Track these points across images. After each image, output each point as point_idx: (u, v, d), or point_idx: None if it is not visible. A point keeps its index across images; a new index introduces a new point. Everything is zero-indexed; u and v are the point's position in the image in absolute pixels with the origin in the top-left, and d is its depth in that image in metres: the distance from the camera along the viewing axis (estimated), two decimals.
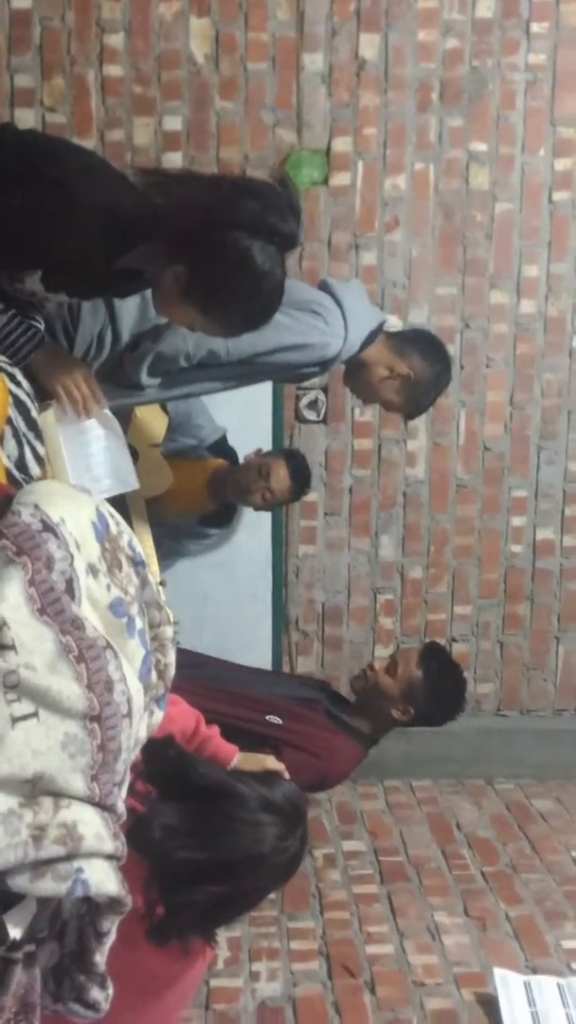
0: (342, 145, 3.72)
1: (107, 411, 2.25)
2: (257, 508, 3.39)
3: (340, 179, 3.74)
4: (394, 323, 3.76)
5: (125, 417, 3.00)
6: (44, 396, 2.04)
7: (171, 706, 1.72)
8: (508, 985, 2.57)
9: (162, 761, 1.65)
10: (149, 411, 3.16)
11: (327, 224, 3.75)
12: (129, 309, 2.41)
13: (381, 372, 2.81)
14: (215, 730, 1.99)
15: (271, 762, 2.06)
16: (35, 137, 2.28)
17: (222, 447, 3.42)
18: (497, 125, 3.76)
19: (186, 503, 3.33)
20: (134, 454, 3.10)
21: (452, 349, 3.83)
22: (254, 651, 3.82)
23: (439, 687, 2.97)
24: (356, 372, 2.85)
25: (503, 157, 3.78)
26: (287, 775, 2.03)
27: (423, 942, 2.84)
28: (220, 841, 1.64)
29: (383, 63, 3.67)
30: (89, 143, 3.51)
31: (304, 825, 1.77)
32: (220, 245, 1.92)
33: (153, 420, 3.18)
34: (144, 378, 2.49)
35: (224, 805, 1.66)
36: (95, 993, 1.41)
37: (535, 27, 3.68)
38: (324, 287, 2.75)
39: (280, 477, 3.23)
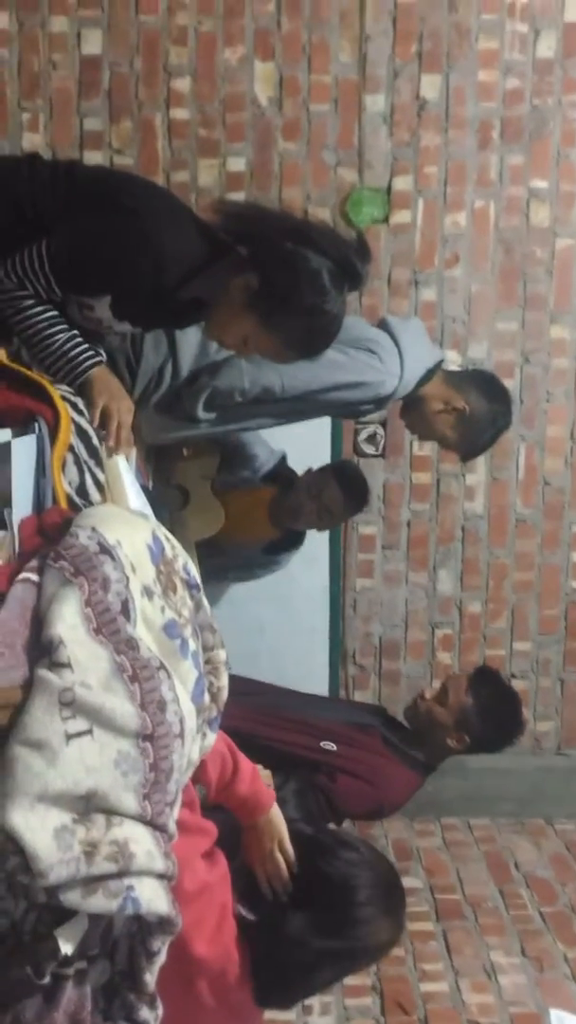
0: (403, 184, 3.76)
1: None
2: (318, 528, 3.36)
3: (401, 217, 3.78)
4: (453, 358, 3.78)
5: (174, 455, 3.04)
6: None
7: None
8: None
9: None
10: (199, 448, 3.16)
11: (387, 261, 3.79)
12: (190, 344, 2.46)
13: (436, 406, 2.80)
14: (257, 781, 1.90)
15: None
16: (104, 170, 2.36)
17: (281, 472, 3.40)
18: (558, 162, 3.77)
19: (250, 533, 3.32)
20: (185, 495, 3.13)
21: (512, 384, 3.84)
22: (310, 684, 3.81)
23: (492, 713, 2.91)
24: (412, 407, 2.85)
25: (564, 194, 3.79)
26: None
27: (479, 981, 2.80)
28: (355, 935, 1.72)
29: (444, 103, 3.72)
30: None
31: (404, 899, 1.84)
32: (295, 257, 1.99)
33: (203, 454, 3.18)
34: (200, 412, 2.53)
35: (348, 910, 1.71)
36: (145, 1013, 1.42)
37: None
38: (383, 325, 2.77)
39: (332, 494, 3.18)
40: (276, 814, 1.89)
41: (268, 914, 1.70)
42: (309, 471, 3.33)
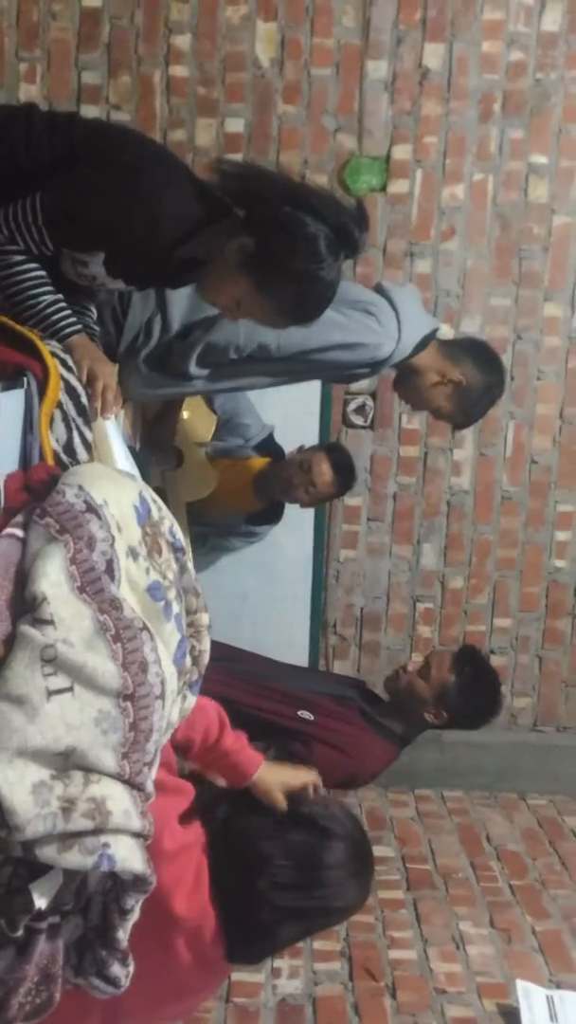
0: (402, 153, 3.73)
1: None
2: (303, 504, 3.37)
3: (398, 187, 3.75)
4: (446, 332, 3.75)
5: (173, 415, 3.03)
6: None
7: (197, 712, 1.74)
8: (530, 998, 2.56)
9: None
10: (197, 411, 3.17)
11: (383, 231, 3.76)
12: (180, 298, 2.42)
13: (432, 378, 2.77)
14: (243, 740, 1.93)
15: (304, 774, 1.99)
16: (103, 124, 2.33)
17: (269, 445, 3.42)
18: (558, 138, 3.75)
19: (233, 502, 3.35)
20: (180, 457, 3.14)
21: (503, 360, 3.82)
22: (291, 653, 3.82)
23: (473, 692, 2.94)
24: (407, 377, 2.82)
25: (563, 170, 3.77)
26: (320, 781, 2.04)
27: (447, 950, 2.83)
28: (321, 894, 1.72)
29: (447, 73, 3.68)
30: None
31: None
32: (292, 222, 1.97)
33: (201, 419, 3.19)
34: (193, 368, 2.48)
35: (316, 871, 1.71)
36: (116, 969, 1.42)
37: None
38: (379, 290, 2.74)
39: (322, 471, 3.20)
40: (259, 778, 1.90)
41: (239, 866, 1.70)
42: (301, 448, 3.34)
